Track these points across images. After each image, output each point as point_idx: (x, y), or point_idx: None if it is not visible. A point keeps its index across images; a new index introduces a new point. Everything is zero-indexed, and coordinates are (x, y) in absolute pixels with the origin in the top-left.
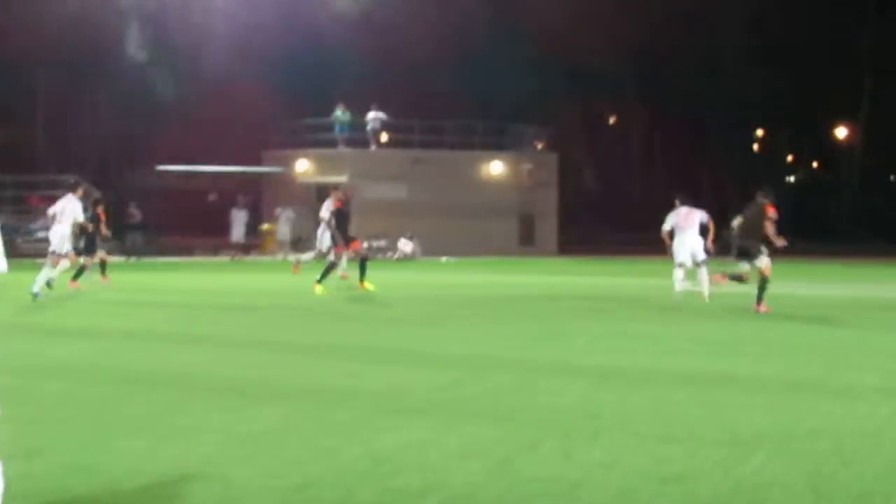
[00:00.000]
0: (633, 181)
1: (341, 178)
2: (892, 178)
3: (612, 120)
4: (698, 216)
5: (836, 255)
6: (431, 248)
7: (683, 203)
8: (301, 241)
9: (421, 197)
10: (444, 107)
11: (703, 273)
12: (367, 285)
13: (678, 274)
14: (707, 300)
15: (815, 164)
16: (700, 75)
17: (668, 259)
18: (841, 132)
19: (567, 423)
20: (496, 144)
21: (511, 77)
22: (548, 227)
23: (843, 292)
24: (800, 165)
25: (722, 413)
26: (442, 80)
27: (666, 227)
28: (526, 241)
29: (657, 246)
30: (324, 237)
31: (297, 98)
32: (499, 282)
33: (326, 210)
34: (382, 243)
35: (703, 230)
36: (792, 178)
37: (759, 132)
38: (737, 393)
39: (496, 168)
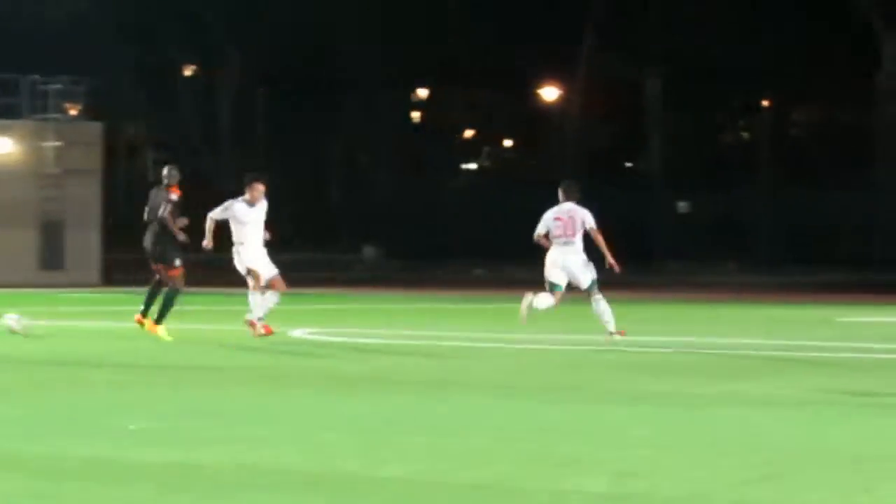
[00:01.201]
0: (221, 168)
1: None
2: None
3: (189, 71)
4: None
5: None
6: None
7: (568, 196)
8: None
9: None
10: None
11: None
12: None
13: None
14: None
15: (509, 143)
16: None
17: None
18: (551, 94)
19: None
20: (3, 109)
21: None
22: (85, 243)
23: None
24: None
25: None
26: None
27: (541, 229)
28: (49, 264)
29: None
30: None
31: None
32: None
33: None
34: None
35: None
36: (474, 165)
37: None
38: None
39: (3, 146)
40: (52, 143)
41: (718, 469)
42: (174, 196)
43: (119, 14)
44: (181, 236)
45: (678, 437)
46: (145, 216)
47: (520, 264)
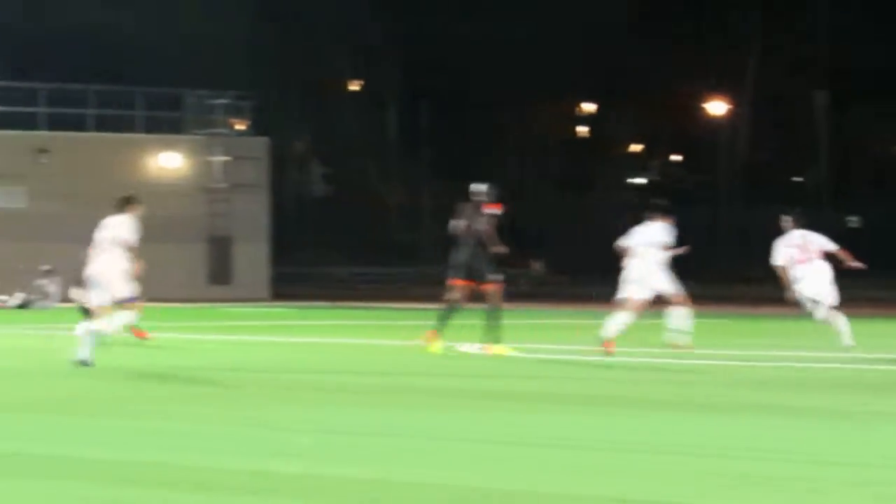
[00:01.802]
0: (387, 180)
1: None
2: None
3: (354, 86)
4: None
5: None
6: (65, 288)
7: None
8: None
9: (49, 207)
10: (85, 63)
11: None
12: None
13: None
14: None
15: (676, 158)
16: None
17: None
18: (717, 109)
19: None
20: (170, 123)
21: (193, 17)
22: (253, 257)
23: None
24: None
25: None
26: (74, 22)
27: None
28: (218, 279)
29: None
30: None
31: None
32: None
33: None
34: None
35: None
36: (639, 180)
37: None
38: None
39: (170, 161)
40: (219, 158)
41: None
42: (496, 211)
43: (285, 30)
44: (501, 250)
45: (876, 456)
46: (454, 231)
47: (687, 279)
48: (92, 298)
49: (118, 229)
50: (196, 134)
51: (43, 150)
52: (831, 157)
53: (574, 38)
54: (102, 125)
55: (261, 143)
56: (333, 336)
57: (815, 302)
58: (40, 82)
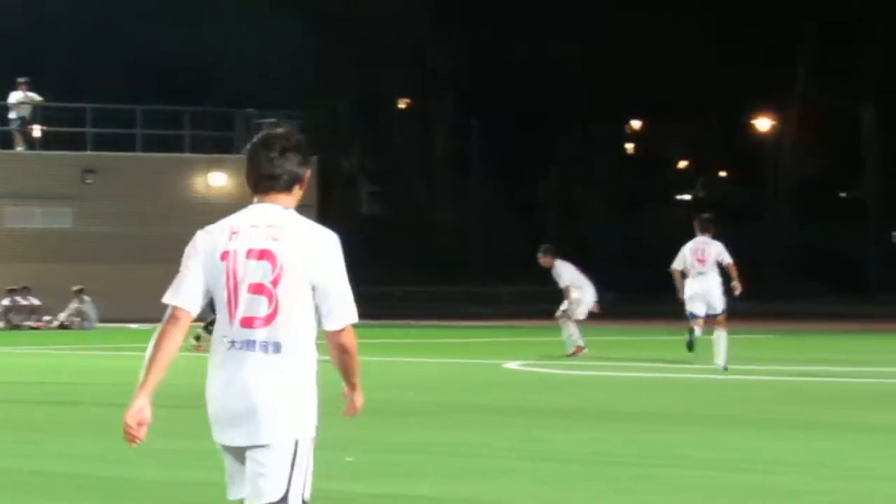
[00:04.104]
0: (436, 199)
1: None
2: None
3: (403, 104)
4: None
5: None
6: (111, 308)
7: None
8: None
9: (96, 228)
10: (130, 84)
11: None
12: None
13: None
14: None
15: (723, 173)
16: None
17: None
18: (764, 124)
19: None
20: (217, 143)
21: (240, 36)
22: None
23: None
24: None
25: None
26: (121, 41)
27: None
28: None
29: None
30: None
31: None
32: None
33: None
34: (34, 301)
35: None
36: (687, 196)
37: (636, 124)
38: None
39: (217, 180)
40: None
41: None
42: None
43: (333, 48)
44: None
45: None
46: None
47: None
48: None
49: None
50: (244, 153)
51: (90, 171)
52: (879, 171)
53: (622, 56)
54: (150, 145)
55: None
56: (381, 355)
57: (693, 316)
58: (87, 102)
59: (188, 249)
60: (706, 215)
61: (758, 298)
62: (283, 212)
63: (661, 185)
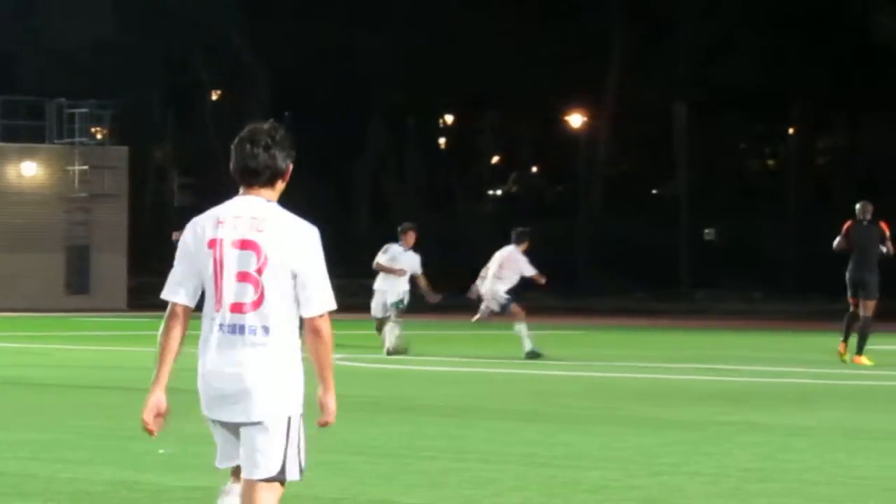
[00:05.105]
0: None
1: None
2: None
3: (215, 95)
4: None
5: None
6: None
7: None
8: None
9: None
10: None
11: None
12: None
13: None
14: None
15: (535, 169)
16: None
17: None
18: (577, 120)
19: None
20: (29, 132)
21: (50, 24)
22: (111, 267)
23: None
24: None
25: None
26: None
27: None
28: (76, 288)
29: None
30: None
31: None
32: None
33: None
34: None
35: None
36: (498, 191)
37: (449, 118)
38: None
39: (29, 170)
40: (78, 167)
41: (745, 498)
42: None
43: (146, 38)
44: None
45: (705, 465)
46: (849, 247)
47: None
48: None
49: None
50: (55, 143)
51: None
52: (691, 169)
53: (435, 49)
54: None
55: (120, 153)
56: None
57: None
58: None
59: (180, 245)
60: (521, 229)
61: (565, 295)
62: (266, 204)
63: (473, 180)
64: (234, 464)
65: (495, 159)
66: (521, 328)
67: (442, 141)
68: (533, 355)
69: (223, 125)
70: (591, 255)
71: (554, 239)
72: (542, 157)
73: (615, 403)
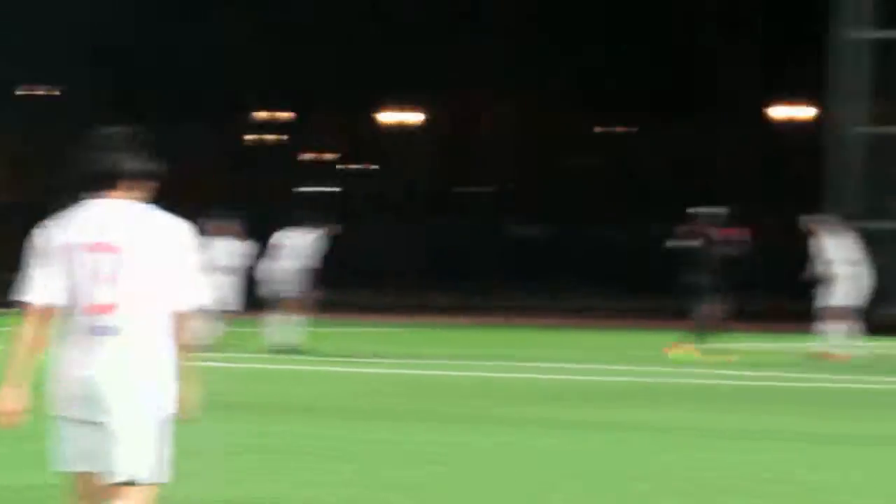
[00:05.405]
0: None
1: None
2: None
3: (23, 90)
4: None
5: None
6: None
7: None
8: None
9: None
10: None
11: None
12: None
13: None
14: None
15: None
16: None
17: None
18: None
19: None
20: None
21: None
22: None
23: None
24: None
25: None
26: None
27: None
28: None
29: None
30: None
31: None
32: None
33: None
34: None
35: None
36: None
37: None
38: None
39: None
40: None
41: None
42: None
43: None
44: None
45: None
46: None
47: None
48: None
49: None
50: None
51: None
52: (515, 167)
53: (251, 45)
54: None
55: None
56: None
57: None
58: None
59: (35, 248)
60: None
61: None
62: (128, 205)
63: (287, 176)
64: (86, 467)
65: (308, 156)
66: (286, 320)
67: (251, 137)
68: (283, 350)
69: (33, 122)
70: (407, 253)
71: (365, 240)
72: (358, 154)
73: (435, 402)
